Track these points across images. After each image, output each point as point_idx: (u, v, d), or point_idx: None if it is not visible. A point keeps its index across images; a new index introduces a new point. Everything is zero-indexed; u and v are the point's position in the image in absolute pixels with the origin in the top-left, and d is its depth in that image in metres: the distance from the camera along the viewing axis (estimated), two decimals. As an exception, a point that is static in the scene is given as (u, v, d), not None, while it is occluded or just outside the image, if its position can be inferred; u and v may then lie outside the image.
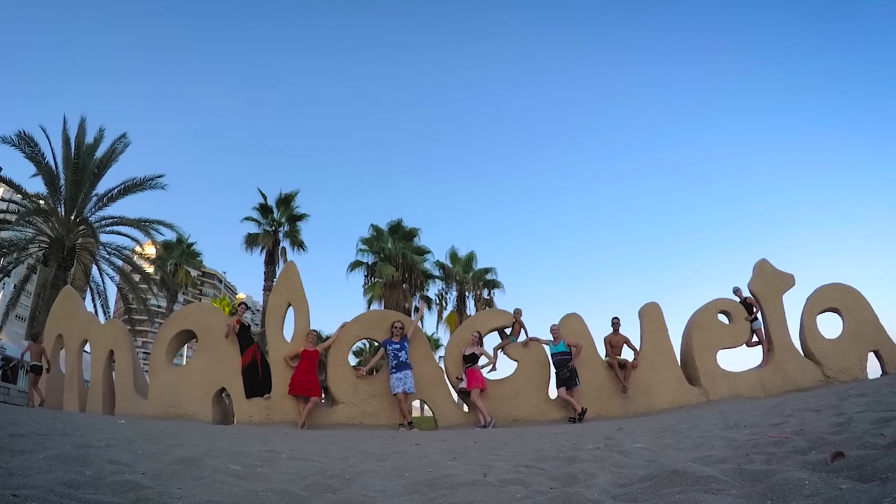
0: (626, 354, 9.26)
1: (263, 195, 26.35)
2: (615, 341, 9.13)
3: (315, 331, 8.99)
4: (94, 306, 18.54)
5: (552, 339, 8.91)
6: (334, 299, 72.63)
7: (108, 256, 18.89)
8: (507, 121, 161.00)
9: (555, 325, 9.04)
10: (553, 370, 8.84)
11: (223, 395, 9.09)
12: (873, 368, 9.19)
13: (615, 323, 9.25)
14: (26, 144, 16.74)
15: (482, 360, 8.89)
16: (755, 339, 9.51)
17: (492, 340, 9.56)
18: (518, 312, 9.50)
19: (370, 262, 26.90)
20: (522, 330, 9.39)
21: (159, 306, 31.49)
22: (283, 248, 26.12)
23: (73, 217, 17.56)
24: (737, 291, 9.67)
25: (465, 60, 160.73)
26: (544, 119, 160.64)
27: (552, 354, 8.83)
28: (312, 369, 8.51)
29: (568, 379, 8.52)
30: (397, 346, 8.56)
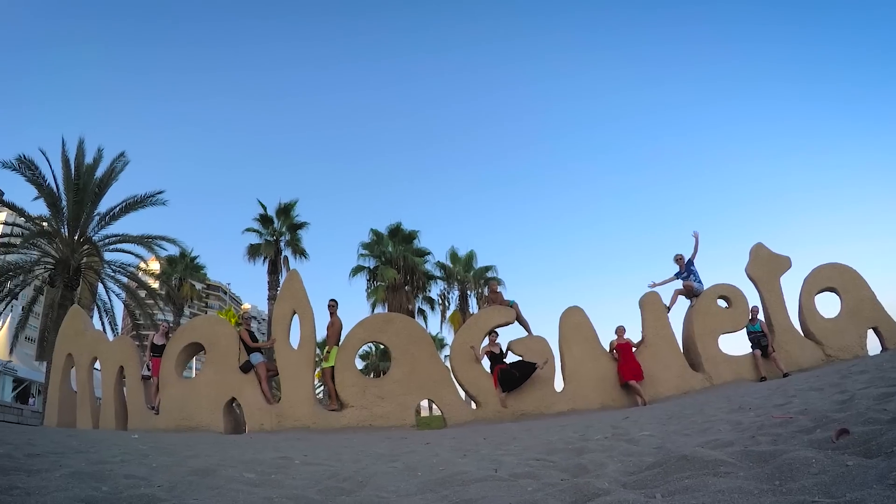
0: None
1: (263, 206, 26.40)
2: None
3: None
4: (102, 324, 18.51)
5: (749, 319, 9.32)
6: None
7: (113, 274, 18.87)
8: (498, 121, 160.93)
9: (755, 306, 9.42)
10: (749, 345, 9.24)
11: (234, 404, 9.09)
12: (873, 345, 9.18)
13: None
14: (27, 168, 16.72)
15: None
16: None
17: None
18: (515, 306, 9.50)
19: (372, 267, 26.91)
20: (524, 322, 9.45)
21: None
22: (286, 257, 26.13)
23: (76, 237, 17.55)
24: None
25: (457, 64, 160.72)
26: (537, 118, 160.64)
27: (749, 332, 9.28)
28: None
29: (765, 348, 9.06)
30: None
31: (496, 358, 8.95)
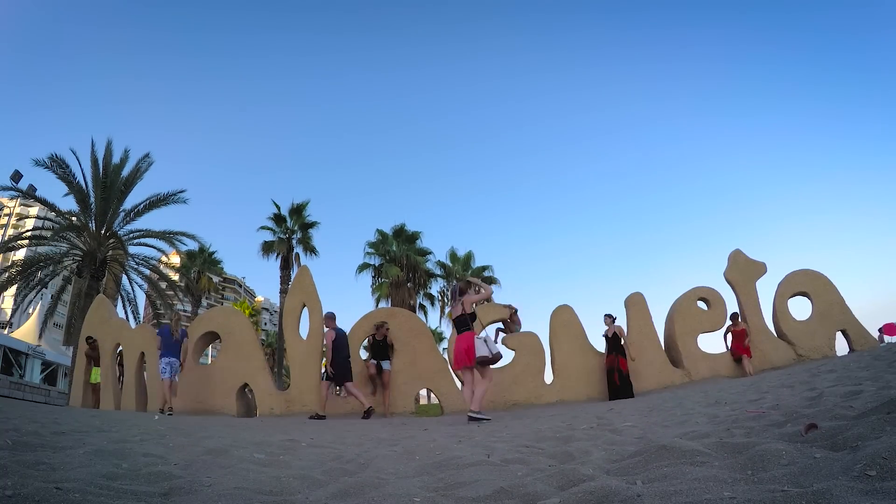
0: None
1: (277, 206, 26.38)
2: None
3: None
4: (125, 313, 18.45)
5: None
6: (345, 299, 72.24)
7: (136, 266, 18.85)
8: (498, 132, 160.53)
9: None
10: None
11: (246, 389, 9.09)
12: (841, 346, 9.20)
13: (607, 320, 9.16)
14: (58, 166, 16.76)
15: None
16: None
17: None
18: (513, 310, 9.47)
19: (377, 264, 26.93)
20: (517, 324, 9.43)
21: (185, 311, 31.53)
22: (297, 254, 26.14)
23: (103, 231, 17.54)
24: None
25: (460, 76, 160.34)
26: (535, 127, 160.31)
27: None
28: None
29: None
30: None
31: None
